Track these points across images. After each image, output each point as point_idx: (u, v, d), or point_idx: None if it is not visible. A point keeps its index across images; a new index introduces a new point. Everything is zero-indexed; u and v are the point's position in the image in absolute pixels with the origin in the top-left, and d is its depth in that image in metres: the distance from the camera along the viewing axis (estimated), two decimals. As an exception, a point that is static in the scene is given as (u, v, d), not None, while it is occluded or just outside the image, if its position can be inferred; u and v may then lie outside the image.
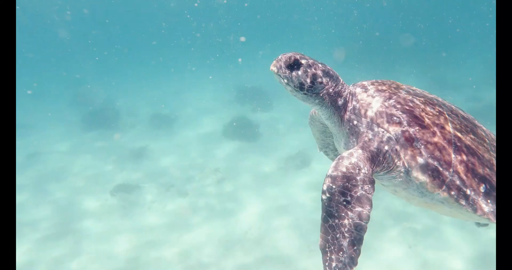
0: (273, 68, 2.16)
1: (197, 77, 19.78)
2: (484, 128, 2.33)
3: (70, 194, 9.19)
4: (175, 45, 29.47)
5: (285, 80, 2.14)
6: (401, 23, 22.32)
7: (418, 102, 2.10)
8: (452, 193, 1.94)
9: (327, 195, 1.91)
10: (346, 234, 1.85)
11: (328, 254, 1.85)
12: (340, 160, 2.00)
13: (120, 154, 11.09)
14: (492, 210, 1.98)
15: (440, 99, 2.28)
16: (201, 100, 15.52)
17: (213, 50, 25.61)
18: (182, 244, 7.04)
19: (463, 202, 1.95)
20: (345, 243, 1.85)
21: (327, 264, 1.86)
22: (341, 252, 1.84)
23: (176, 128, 12.92)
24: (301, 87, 2.13)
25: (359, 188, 1.92)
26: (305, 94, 2.15)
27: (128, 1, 33.85)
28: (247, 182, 8.92)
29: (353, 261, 1.85)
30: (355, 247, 1.85)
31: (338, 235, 1.85)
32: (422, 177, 1.95)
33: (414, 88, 2.29)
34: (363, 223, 1.87)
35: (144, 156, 10.90)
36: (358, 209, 1.88)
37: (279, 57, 2.14)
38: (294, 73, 2.11)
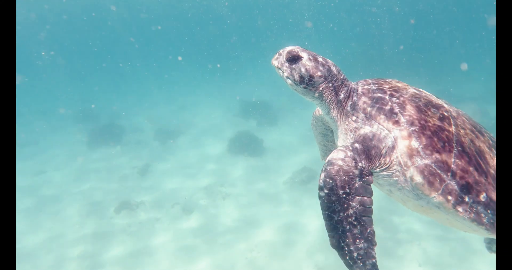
0: (273, 61, 2.17)
1: (202, 91, 19.92)
2: (492, 137, 2.25)
3: (74, 214, 9.11)
4: (179, 59, 29.83)
5: (285, 74, 2.15)
6: (409, 35, 22.45)
7: (422, 103, 2.04)
8: (449, 198, 1.85)
9: (325, 191, 1.86)
10: (355, 223, 1.83)
11: (345, 248, 1.82)
12: (336, 153, 1.96)
13: (124, 172, 11.06)
14: (492, 221, 1.87)
15: (447, 103, 2.22)
16: (205, 115, 15.54)
17: (217, 63, 25.85)
18: (188, 264, 6.89)
19: (460, 209, 1.86)
20: (356, 230, 1.82)
21: (347, 257, 1.82)
22: (357, 240, 1.82)
23: (181, 144, 12.90)
24: (300, 80, 2.12)
25: (357, 180, 1.89)
26: (304, 88, 2.14)
27: (132, 15, 34.52)
28: (252, 199, 8.81)
29: (371, 242, 1.83)
30: (368, 230, 1.83)
31: (348, 227, 1.83)
32: (417, 178, 1.87)
33: (421, 89, 2.24)
34: (367, 208, 1.86)
35: (149, 173, 10.86)
36: (359, 197, 1.85)
37: (280, 51, 2.15)
38: (294, 67, 2.11)
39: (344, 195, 1.84)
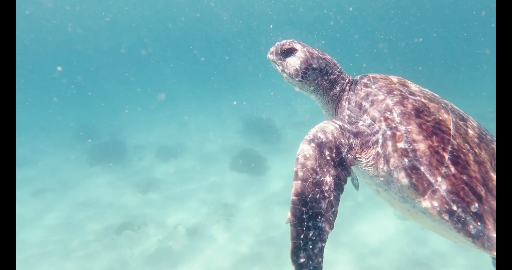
0: (269, 55, 2.16)
1: (204, 109, 19.86)
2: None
3: (74, 232, 8.82)
4: (181, 74, 30.06)
5: (280, 67, 2.13)
6: (414, 46, 22.63)
7: (421, 102, 1.94)
8: (435, 204, 1.73)
9: (312, 144, 1.76)
10: (326, 194, 1.68)
11: (304, 223, 1.61)
12: (334, 120, 1.93)
13: (126, 192, 10.83)
14: (480, 234, 1.72)
15: (450, 104, 2.11)
16: (207, 133, 15.41)
17: (219, 79, 25.93)
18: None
19: (446, 218, 1.72)
20: (324, 204, 1.66)
21: (302, 236, 1.60)
22: (319, 217, 1.64)
23: (183, 161, 12.71)
24: (295, 73, 2.10)
25: (345, 150, 1.81)
26: (300, 81, 2.12)
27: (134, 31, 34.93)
28: (257, 219, 8.55)
29: (330, 224, 1.67)
30: (333, 209, 1.70)
31: (318, 196, 1.66)
32: (404, 180, 1.76)
33: (424, 89, 2.15)
34: (342, 183, 1.75)
35: (151, 192, 10.61)
36: (339, 168, 1.76)
37: (275, 44, 2.13)
38: (288, 60, 2.10)
39: (328, 158, 1.75)
